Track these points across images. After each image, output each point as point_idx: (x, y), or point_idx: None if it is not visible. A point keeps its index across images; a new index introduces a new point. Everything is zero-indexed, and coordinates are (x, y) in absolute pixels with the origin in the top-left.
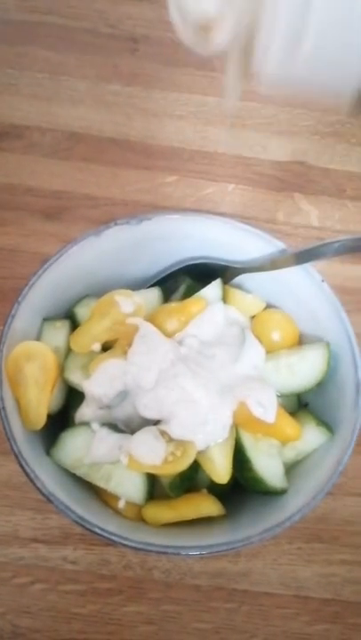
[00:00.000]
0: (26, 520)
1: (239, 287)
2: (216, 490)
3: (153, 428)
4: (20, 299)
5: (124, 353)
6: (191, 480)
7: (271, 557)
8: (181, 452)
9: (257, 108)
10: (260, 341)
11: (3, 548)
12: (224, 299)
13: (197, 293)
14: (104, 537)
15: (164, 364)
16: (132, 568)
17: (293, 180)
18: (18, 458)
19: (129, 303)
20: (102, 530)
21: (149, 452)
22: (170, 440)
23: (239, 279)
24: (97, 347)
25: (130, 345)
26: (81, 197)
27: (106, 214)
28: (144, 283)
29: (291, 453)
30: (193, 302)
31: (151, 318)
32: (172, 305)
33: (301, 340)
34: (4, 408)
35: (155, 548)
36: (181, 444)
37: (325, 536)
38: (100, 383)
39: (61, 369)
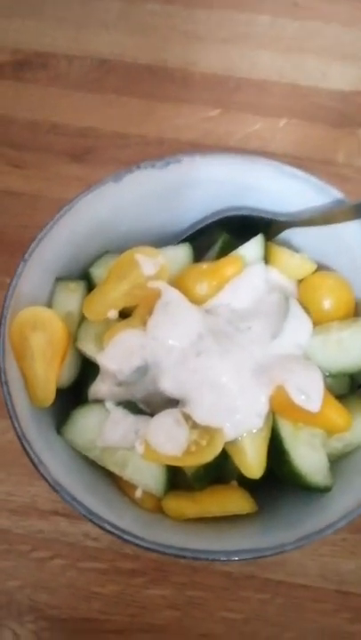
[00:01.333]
0: (45, 491)
1: (285, 245)
2: (248, 482)
3: (175, 411)
4: (26, 256)
5: (144, 323)
6: (219, 470)
7: (311, 547)
8: (207, 442)
9: (317, 28)
10: (308, 311)
11: (21, 519)
12: (266, 259)
13: (234, 252)
14: (115, 534)
15: (189, 339)
16: None
17: (357, 113)
18: (21, 440)
19: (151, 263)
20: (113, 526)
21: (169, 440)
22: (194, 426)
23: (286, 235)
24: (113, 314)
25: (150, 313)
26: (111, 135)
27: (139, 155)
28: (172, 238)
29: (338, 445)
30: (228, 262)
31: (178, 281)
32: (203, 266)
33: (358, 310)
34: (6, 383)
35: (171, 550)
36: (208, 431)
37: None
38: (114, 357)
39: (74, 337)
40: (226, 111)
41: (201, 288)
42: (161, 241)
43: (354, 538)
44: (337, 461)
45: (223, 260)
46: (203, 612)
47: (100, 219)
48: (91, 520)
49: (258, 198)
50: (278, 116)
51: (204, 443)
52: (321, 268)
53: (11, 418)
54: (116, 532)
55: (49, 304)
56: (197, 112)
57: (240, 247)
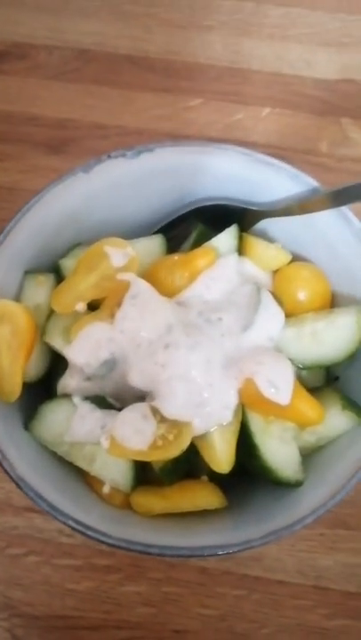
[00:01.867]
0: None
1: (261, 235)
2: (219, 476)
3: (142, 406)
4: None
5: (112, 315)
6: (188, 464)
7: (288, 542)
8: (175, 436)
9: (301, 15)
10: (282, 302)
11: None
12: (241, 249)
13: (207, 243)
14: (79, 531)
15: (157, 331)
16: None
17: (342, 102)
18: None
19: (120, 255)
20: (77, 523)
21: (135, 435)
22: (162, 420)
23: (262, 225)
24: (82, 307)
25: (119, 306)
26: (90, 126)
27: (117, 146)
28: (147, 229)
29: (310, 438)
30: (200, 254)
31: (150, 273)
32: (175, 257)
33: (334, 302)
34: None
35: (137, 546)
36: (176, 425)
37: (353, 522)
38: (82, 351)
39: (42, 331)
40: (207, 101)
41: (173, 280)
42: (134, 231)
43: (332, 533)
44: (310, 455)
45: (196, 252)
46: (178, 609)
47: (71, 209)
48: (55, 517)
49: (233, 188)
50: (261, 105)
51: (171, 437)
52: (297, 258)
53: None
54: (81, 528)
55: (18, 297)
56: (178, 102)
57: (213, 238)
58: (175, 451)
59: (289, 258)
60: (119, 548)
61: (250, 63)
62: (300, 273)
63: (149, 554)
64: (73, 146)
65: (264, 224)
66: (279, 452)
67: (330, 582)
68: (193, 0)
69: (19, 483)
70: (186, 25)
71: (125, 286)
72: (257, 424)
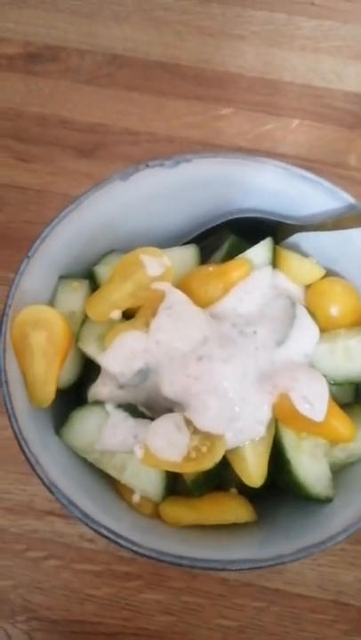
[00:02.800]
0: (43, 491)
1: (294, 249)
2: (248, 490)
3: (176, 416)
4: (30, 253)
5: (147, 324)
6: (218, 477)
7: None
8: (208, 448)
9: (333, 28)
10: (315, 317)
11: (17, 518)
12: (274, 262)
13: (242, 255)
14: (110, 539)
15: (192, 343)
16: None
17: None
18: (18, 438)
19: (156, 264)
20: (109, 531)
21: (169, 446)
22: (195, 431)
23: (295, 239)
24: (117, 314)
25: (154, 315)
26: (120, 132)
27: (148, 152)
28: (179, 239)
29: (340, 455)
30: (235, 265)
31: (183, 283)
32: (210, 268)
33: None
34: (6, 382)
35: (167, 557)
36: (209, 437)
37: None
38: (116, 359)
39: (76, 337)
40: (238, 110)
41: (207, 290)
42: (167, 241)
43: (353, 549)
44: (339, 472)
45: (230, 263)
46: (197, 619)
47: (107, 217)
48: (86, 524)
49: (268, 200)
50: (291, 116)
51: (204, 449)
52: (330, 273)
53: (9, 417)
54: (113, 536)
55: (52, 302)
56: (209, 110)
57: (248, 250)
58: (208, 463)
59: (322, 273)
60: (150, 558)
61: (281, 74)
62: (334, 288)
63: (180, 565)
64: (103, 150)
65: (297, 238)
66: (310, 468)
67: (350, 598)
68: (225, 8)
69: (51, 488)
70: (217, 33)
71: (161, 296)
72: (290, 440)
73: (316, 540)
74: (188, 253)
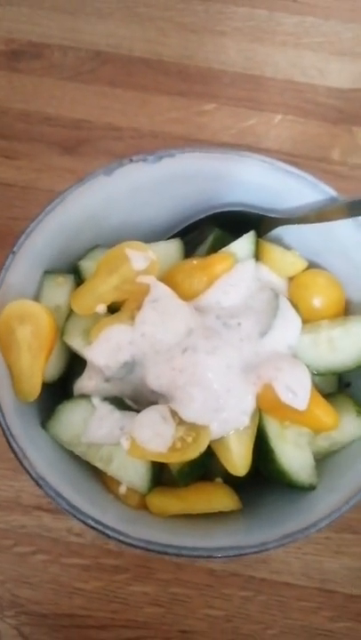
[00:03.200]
0: (30, 486)
1: (277, 242)
2: (233, 479)
3: (161, 407)
4: (15, 249)
5: (133, 318)
6: (204, 467)
7: (295, 545)
8: (193, 439)
9: (315, 24)
10: (298, 308)
11: (4, 514)
12: (257, 255)
13: (225, 248)
14: (98, 530)
15: (177, 335)
16: None
17: (354, 110)
18: (5, 433)
19: (141, 258)
20: (97, 522)
21: (155, 437)
22: (181, 422)
23: (277, 232)
24: (102, 308)
25: (139, 309)
26: (104, 127)
27: (131, 148)
28: (164, 233)
29: (324, 443)
30: (219, 259)
31: (168, 276)
32: (194, 262)
33: (348, 310)
34: None
35: (154, 546)
36: (194, 427)
37: (359, 526)
38: (102, 352)
39: (61, 331)
40: (220, 106)
41: (191, 284)
42: (152, 235)
43: (338, 537)
44: (323, 460)
45: (214, 257)
46: (185, 609)
47: (91, 212)
48: (74, 515)
49: (251, 194)
50: (274, 111)
51: (189, 439)
52: (312, 265)
53: None
54: (100, 527)
55: (37, 297)
56: (192, 106)
57: (231, 244)
58: (194, 453)
59: (305, 265)
60: (137, 547)
61: (263, 70)
62: (317, 280)
63: (167, 554)
64: (87, 146)
65: (280, 231)
66: (294, 456)
67: (335, 585)
68: (207, 5)
69: (39, 481)
70: (200, 30)
71: (146, 289)
72: (273, 429)
73: (300, 527)
74: (173, 247)
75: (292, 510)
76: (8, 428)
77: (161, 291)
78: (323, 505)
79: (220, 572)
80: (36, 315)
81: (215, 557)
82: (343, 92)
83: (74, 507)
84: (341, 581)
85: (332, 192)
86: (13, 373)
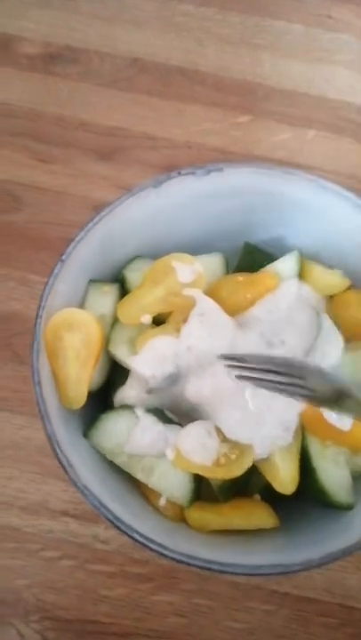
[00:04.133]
0: (57, 491)
1: (316, 259)
2: (270, 496)
3: (207, 424)
4: (64, 257)
5: (178, 330)
6: (245, 483)
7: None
8: (237, 456)
9: (349, 42)
10: (339, 327)
11: (32, 518)
12: (300, 274)
13: (270, 266)
14: (141, 543)
15: (222, 350)
16: None
17: None
18: (51, 440)
19: (188, 271)
20: (142, 536)
21: (200, 450)
22: (224, 439)
23: (316, 249)
24: (147, 319)
25: (185, 321)
26: (139, 136)
27: (165, 158)
28: (204, 247)
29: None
30: (266, 277)
31: (212, 291)
32: (239, 278)
33: None
34: (39, 383)
35: (198, 562)
36: (238, 445)
37: None
38: (147, 362)
39: (106, 340)
40: (255, 118)
41: (236, 299)
42: (194, 247)
43: None
44: (358, 479)
45: (261, 275)
46: (209, 621)
47: (137, 222)
48: (118, 527)
49: (293, 211)
50: (307, 127)
51: (233, 457)
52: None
53: (42, 418)
54: (143, 540)
55: (82, 305)
56: (226, 118)
57: (276, 262)
58: (238, 470)
59: (347, 284)
60: (179, 562)
61: (297, 85)
62: (358, 299)
63: (210, 569)
64: (122, 154)
65: (319, 248)
66: (334, 475)
67: (357, 602)
68: (244, 18)
69: (84, 491)
70: (236, 42)
71: (191, 302)
72: (315, 447)
73: (344, 546)
74: (216, 261)
75: (330, 528)
76: (54, 435)
77: (207, 304)
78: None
79: (243, 585)
80: (85, 323)
81: (257, 575)
82: None
83: (117, 518)
84: None
85: None
86: (59, 380)
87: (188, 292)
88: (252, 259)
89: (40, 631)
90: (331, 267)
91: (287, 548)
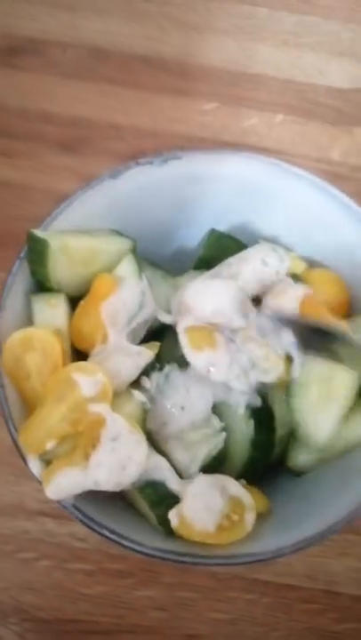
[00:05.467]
0: (33, 491)
1: (275, 241)
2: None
3: (212, 479)
4: (22, 254)
5: (87, 457)
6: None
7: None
8: (239, 516)
9: (316, 23)
10: None
11: (7, 519)
12: None
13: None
14: (112, 540)
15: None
16: None
17: (355, 111)
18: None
19: (90, 382)
20: (112, 532)
21: (204, 515)
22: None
23: (275, 232)
24: (52, 445)
25: (94, 446)
26: (104, 126)
27: (132, 147)
28: (167, 236)
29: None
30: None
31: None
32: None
33: (353, 309)
34: (2, 386)
35: (171, 555)
36: (239, 503)
37: None
38: (59, 493)
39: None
40: (222, 105)
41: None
42: (156, 239)
43: (342, 538)
44: (336, 461)
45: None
46: (191, 613)
47: (95, 215)
48: (88, 525)
49: (254, 195)
50: (274, 111)
51: (235, 517)
52: (314, 265)
53: (7, 423)
54: (115, 537)
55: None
56: (193, 105)
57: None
58: (241, 533)
59: (303, 266)
60: (153, 557)
61: (264, 69)
62: (321, 279)
63: (184, 563)
64: (87, 145)
65: (279, 229)
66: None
67: (340, 587)
68: (208, 3)
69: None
70: (200, 27)
71: (100, 420)
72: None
73: (316, 530)
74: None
75: (307, 514)
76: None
77: (118, 425)
78: (338, 508)
79: (224, 575)
80: (43, 341)
81: (231, 565)
82: (343, 92)
83: (87, 516)
84: (346, 583)
85: (338, 194)
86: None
87: (93, 407)
88: (218, 246)
89: (20, 633)
90: (293, 250)
91: (260, 537)
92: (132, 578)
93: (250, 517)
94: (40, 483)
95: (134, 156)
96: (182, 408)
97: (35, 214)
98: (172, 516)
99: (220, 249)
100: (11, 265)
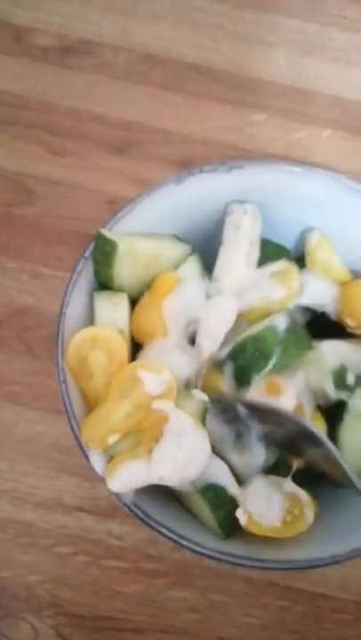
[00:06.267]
0: (72, 487)
1: None
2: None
3: (268, 477)
4: (86, 254)
5: (150, 451)
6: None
7: None
8: (299, 511)
9: None
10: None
11: (46, 513)
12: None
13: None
14: (170, 538)
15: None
16: (181, 551)
17: None
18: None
19: (156, 381)
20: (170, 531)
21: (269, 510)
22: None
23: None
24: (114, 440)
25: (157, 441)
26: (154, 131)
27: (180, 153)
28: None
29: None
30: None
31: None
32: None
33: None
34: (64, 381)
35: (228, 557)
36: (296, 499)
37: None
38: (122, 485)
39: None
40: (270, 117)
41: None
42: (211, 249)
43: None
44: None
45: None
46: (223, 616)
47: (156, 220)
48: (148, 524)
49: (310, 210)
50: (322, 126)
51: (296, 512)
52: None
53: (69, 419)
54: (174, 536)
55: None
56: (242, 115)
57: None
58: (303, 526)
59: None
60: (210, 557)
61: (312, 84)
62: None
63: (241, 565)
64: (136, 148)
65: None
66: None
67: None
68: (259, 15)
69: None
70: (251, 39)
71: (163, 417)
72: None
73: None
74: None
75: (358, 523)
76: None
77: (183, 422)
78: None
79: (258, 581)
80: (109, 340)
81: (285, 570)
82: None
83: (148, 515)
84: None
85: None
86: (89, 399)
87: (157, 405)
88: (263, 253)
89: (54, 626)
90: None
91: (315, 544)
92: (167, 578)
93: (309, 511)
94: (102, 479)
95: (183, 162)
96: None
97: (84, 214)
98: (240, 514)
99: (265, 256)
100: (58, 263)
